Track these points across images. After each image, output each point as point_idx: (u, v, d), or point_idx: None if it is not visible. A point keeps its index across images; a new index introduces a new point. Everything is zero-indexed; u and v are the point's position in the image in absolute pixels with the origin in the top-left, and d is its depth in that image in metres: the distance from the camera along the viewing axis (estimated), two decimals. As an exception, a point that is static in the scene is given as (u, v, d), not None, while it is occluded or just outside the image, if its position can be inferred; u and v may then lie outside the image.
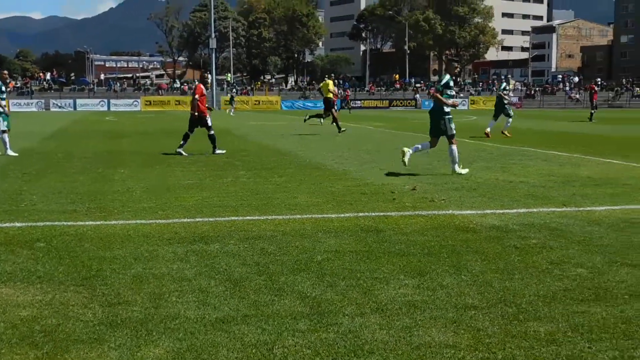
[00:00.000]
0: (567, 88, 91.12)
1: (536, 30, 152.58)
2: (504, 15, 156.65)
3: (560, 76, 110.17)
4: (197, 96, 16.95)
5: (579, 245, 6.87)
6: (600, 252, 6.58)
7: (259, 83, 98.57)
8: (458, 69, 13.34)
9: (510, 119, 24.27)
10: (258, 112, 60.26)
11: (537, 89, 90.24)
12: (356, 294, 5.24)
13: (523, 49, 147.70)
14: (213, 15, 73.03)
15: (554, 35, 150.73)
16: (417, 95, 79.18)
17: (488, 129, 23.47)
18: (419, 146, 13.03)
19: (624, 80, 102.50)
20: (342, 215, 8.50)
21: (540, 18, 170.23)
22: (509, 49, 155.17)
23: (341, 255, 6.45)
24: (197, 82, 18.18)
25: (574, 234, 7.39)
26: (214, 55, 72.65)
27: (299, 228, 7.71)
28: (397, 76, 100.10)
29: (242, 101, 71.47)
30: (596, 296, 5.17)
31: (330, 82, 26.48)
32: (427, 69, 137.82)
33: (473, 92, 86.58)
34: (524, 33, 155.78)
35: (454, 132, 12.80)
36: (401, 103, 77.23)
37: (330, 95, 25.95)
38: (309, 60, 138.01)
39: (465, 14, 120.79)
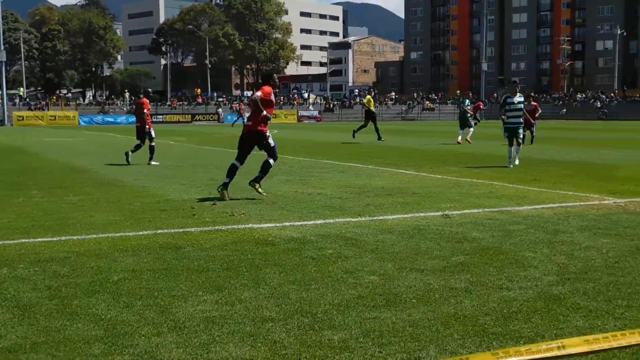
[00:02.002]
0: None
1: (333, 46, 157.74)
2: (302, 31, 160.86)
3: (357, 90, 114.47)
4: (146, 110, 18.73)
5: (372, 253, 7.16)
6: (392, 259, 6.90)
7: (55, 97, 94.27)
8: (519, 87, 17.87)
9: (472, 129, 29.28)
10: (54, 128, 57.69)
11: (335, 102, 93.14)
12: (153, 313, 5.14)
13: (321, 64, 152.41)
14: (2, 27, 69.13)
15: (350, 51, 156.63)
16: (220, 110, 79.26)
17: (459, 138, 28.37)
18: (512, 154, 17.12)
19: (415, 94, 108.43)
20: (141, 232, 8.33)
21: (336, 34, 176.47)
22: (308, 63, 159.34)
23: (139, 274, 6.32)
24: (141, 97, 19.73)
25: (367, 242, 7.70)
26: (3, 68, 68.77)
27: (94, 248, 7.46)
28: (198, 90, 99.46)
29: (36, 116, 68.24)
30: (387, 302, 5.41)
31: (371, 97, 31.60)
32: (229, 83, 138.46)
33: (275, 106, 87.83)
34: (321, 49, 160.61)
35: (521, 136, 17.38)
36: (204, 117, 76.98)
37: (373, 108, 31.10)
38: (107, 74, 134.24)
39: (264, 29, 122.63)
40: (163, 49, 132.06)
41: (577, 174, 15.31)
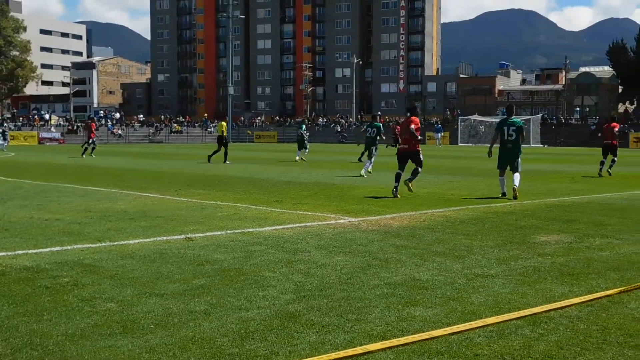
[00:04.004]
0: (110, 124, 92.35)
1: (76, 65, 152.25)
2: (42, 49, 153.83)
3: (102, 112, 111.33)
4: None
5: (111, 279, 6.96)
6: (131, 284, 6.75)
7: None
8: (379, 117, 26.38)
9: (307, 150, 35.35)
10: None
11: (79, 124, 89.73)
12: None
13: (64, 84, 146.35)
14: None
15: (95, 72, 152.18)
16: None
17: (297, 157, 33.70)
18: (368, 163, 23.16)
19: (162, 116, 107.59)
20: None
21: (80, 54, 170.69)
22: (50, 83, 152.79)
23: None
24: None
25: (106, 268, 7.47)
26: None
27: None
28: None
29: None
30: (124, 329, 5.28)
31: (225, 124, 33.12)
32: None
33: (13, 127, 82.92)
34: (64, 68, 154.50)
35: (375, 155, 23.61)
36: None
37: (224, 134, 32.17)
38: None
39: (0, 46, 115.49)
40: None
41: (316, 195, 16.00)
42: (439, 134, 69.11)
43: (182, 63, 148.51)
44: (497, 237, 9.92)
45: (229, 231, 10.21)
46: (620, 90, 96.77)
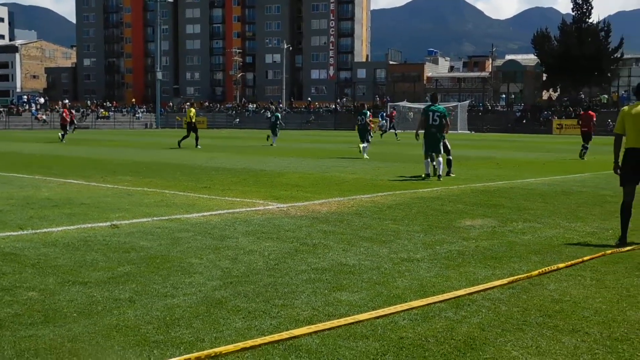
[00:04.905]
0: (34, 109, 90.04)
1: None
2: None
3: (26, 97, 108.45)
4: None
5: (32, 268, 6.81)
6: (54, 273, 6.61)
7: None
8: (365, 105, 29.68)
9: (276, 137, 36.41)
10: None
11: (1, 109, 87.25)
12: None
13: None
14: None
15: (18, 55, 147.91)
16: None
17: (274, 143, 34.99)
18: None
19: (89, 101, 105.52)
20: None
21: (2, 37, 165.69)
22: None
23: None
24: None
25: (28, 257, 7.30)
26: None
27: None
28: None
29: None
30: (45, 318, 5.17)
31: (194, 110, 33.58)
32: None
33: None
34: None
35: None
36: None
37: (193, 120, 32.53)
38: None
39: None
40: None
41: (245, 181, 15.94)
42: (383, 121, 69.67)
43: (108, 47, 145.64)
44: (423, 221, 10.06)
45: (155, 218, 10.09)
46: (544, 78, 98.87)
